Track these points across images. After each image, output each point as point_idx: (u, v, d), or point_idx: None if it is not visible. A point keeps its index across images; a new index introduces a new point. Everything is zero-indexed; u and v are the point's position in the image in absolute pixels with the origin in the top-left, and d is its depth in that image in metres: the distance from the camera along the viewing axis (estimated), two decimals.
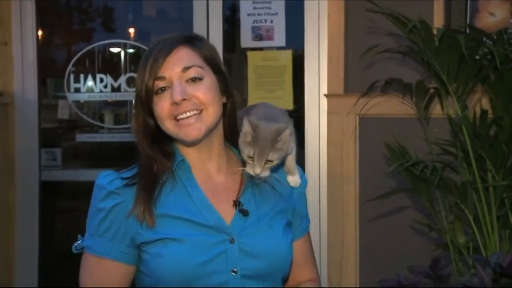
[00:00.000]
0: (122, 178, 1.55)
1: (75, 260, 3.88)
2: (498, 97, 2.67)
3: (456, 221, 2.75)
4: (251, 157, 1.53)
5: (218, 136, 1.61)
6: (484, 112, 2.61)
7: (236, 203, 1.57)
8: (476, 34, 2.71)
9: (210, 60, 1.56)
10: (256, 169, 1.53)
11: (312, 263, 1.77)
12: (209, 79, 1.54)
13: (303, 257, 1.73)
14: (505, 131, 2.58)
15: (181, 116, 1.51)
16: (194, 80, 1.51)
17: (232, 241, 1.52)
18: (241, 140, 1.56)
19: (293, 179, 1.69)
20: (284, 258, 1.60)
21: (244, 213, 1.56)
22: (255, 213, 1.58)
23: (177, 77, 1.50)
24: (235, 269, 1.52)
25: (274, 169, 1.62)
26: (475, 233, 2.67)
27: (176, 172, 1.58)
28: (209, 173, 1.61)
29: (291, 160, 1.67)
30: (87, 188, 3.68)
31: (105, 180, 1.55)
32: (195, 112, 1.51)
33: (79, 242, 1.59)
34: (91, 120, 3.67)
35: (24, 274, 3.54)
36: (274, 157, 1.53)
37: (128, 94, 3.60)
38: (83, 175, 3.64)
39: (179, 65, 1.51)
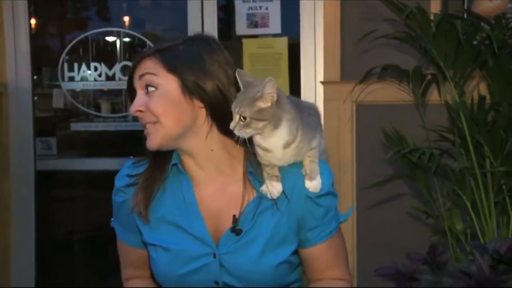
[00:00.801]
0: (129, 176, 1.62)
1: (71, 248, 3.88)
2: (496, 82, 2.68)
3: (453, 207, 2.76)
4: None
5: (203, 141, 1.55)
6: (482, 98, 2.61)
7: (234, 219, 1.54)
8: (474, 19, 2.71)
9: (177, 68, 1.50)
10: (232, 124, 1.46)
11: (336, 265, 1.68)
12: (165, 88, 1.50)
13: (324, 262, 1.65)
14: (503, 116, 2.59)
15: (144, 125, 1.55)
16: (149, 88, 1.50)
17: (214, 256, 1.54)
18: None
19: (311, 185, 1.55)
20: (266, 279, 1.56)
21: (237, 232, 1.54)
22: (249, 233, 1.55)
23: (138, 85, 1.52)
24: (217, 281, 1.55)
25: (291, 177, 1.56)
26: (473, 219, 2.67)
27: (176, 174, 1.59)
28: (207, 179, 1.59)
29: (309, 162, 1.56)
30: (83, 177, 3.76)
31: (119, 175, 1.65)
32: (151, 123, 1.51)
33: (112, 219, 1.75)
34: (86, 109, 3.67)
35: (21, 263, 3.55)
36: (247, 113, 1.43)
37: (123, 83, 3.56)
38: (78, 164, 3.66)
39: (138, 73, 1.52)
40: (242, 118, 1.45)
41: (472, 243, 2.54)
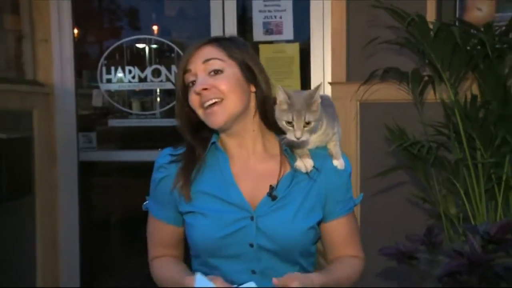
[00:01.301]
0: (171, 155, 1.66)
1: (110, 229, 3.95)
2: (486, 83, 2.70)
3: (448, 194, 2.79)
4: (289, 123, 1.51)
5: (251, 122, 1.62)
6: (474, 97, 2.64)
7: (271, 187, 1.59)
8: (466, 26, 2.71)
9: (234, 55, 1.58)
10: (297, 133, 1.50)
11: (352, 242, 1.74)
12: (230, 71, 1.56)
13: (341, 237, 1.71)
14: (493, 113, 2.60)
15: (206, 104, 1.54)
16: (216, 72, 1.54)
17: (252, 218, 1.57)
18: (278, 110, 1.55)
19: (339, 163, 1.65)
20: (296, 242, 1.59)
21: (273, 197, 1.58)
22: (284, 199, 1.60)
23: (200, 69, 1.55)
24: (252, 243, 1.57)
25: (318, 158, 1.64)
26: (465, 204, 2.70)
27: (214, 152, 1.64)
28: (243, 156, 1.64)
29: (333, 146, 1.66)
30: (118, 167, 3.78)
31: (161, 154, 1.68)
32: (216, 100, 1.54)
33: (146, 202, 1.74)
34: (121, 107, 3.70)
35: (67, 242, 3.61)
36: (311, 118, 1.50)
37: (154, 84, 3.62)
38: (115, 155, 3.71)
39: (201, 59, 1.56)
40: (306, 124, 1.51)
41: (465, 225, 2.63)
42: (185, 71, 1.57)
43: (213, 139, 1.63)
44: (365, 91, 3.05)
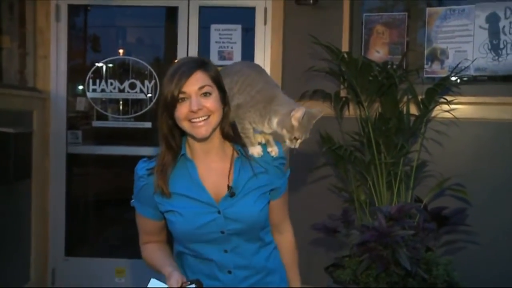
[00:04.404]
0: (147, 169, 1.58)
1: (90, 207, 3.86)
2: (387, 104, 2.79)
3: (360, 185, 2.87)
4: (296, 139, 1.53)
5: (218, 133, 1.59)
6: (380, 114, 2.76)
7: (229, 188, 1.56)
8: (371, 63, 2.77)
9: (216, 80, 1.54)
10: (297, 144, 1.53)
11: (287, 213, 1.75)
12: (215, 94, 1.52)
13: (280, 211, 1.71)
14: (393, 127, 2.71)
15: (194, 120, 1.50)
16: (206, 94, 1.50)
17: (219, 212, 1.55)
18: (290, 121, 1.51)
19: (273, 149, 1.62)
20: (256, 219, 1.58)
21: (232, 194, 1.55)
22: (239, 190, 1.57)
23: (194, 92, 1.49)
24: (223, 230, 1.55)
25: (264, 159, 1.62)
26: (372, 193, 2.79)
27: (183, 161, 1.59)
28: (209, 161, 1.59)
29: (268, 135, 1.64)
30: (99, 159, 3.73)
31: (138, 167, 1.61)
32: (205, 118, 1.50)
33: (133, 200, 1.67)
34: (103, 111, 3.65)
35: (55, 217, 3.55)
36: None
37: (130, 94, 3.58)
38: (97, 149, 3.65)
39: (196, 84, 1.49)
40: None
41: (373, 208, 2.69)
42: (180, 91, 1.49)
43: (182, 151, 1.59)
44: None
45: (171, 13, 3.56)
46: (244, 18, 3.50)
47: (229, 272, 1.58)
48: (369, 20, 3.22)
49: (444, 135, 2.90)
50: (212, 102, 1.51)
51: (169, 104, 1.50)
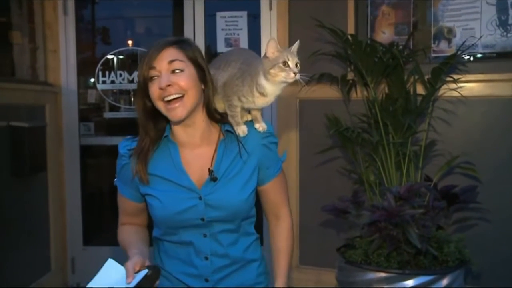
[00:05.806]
0: (128, 149, 1.52)
1: (104, 196, 3.92)
2: (394, 85, 2.76)
3: (369, 166, 2.86)
4: (285, 63, 1.42)
5: (200, 115, 1.50)
6: (387, 95, 2.75)
7: (210, 171, 1.49)
8: (376, 44, 2.75)
9: (191, 57, 1.45)
10: (295, 73, 1.41)
11: (284, 199, 1.65)
12: (189, 71, 1.44)
13: (275, 195, 1.62)
14: (400, 107, 2.69)
15: (167, 98, 1.41)
16: (177, 71, 1.42)
17: (200, 198, 1.47)
18: (270, 58, 1.43)
19: (261, 125, 1.54)
20: (239, 208, 1.51)
21: (214, 179, 1.48)
22: (222, 176, 1.49)
23: (165, 68, 1.41)
24: (203, 217, 1.48)
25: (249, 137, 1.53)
26: (381, 173, 2.77)
27: (166, 143, 1.52)
28: (192, 145, 1.52)
29: (256, 111, 1.56)
30: (111, 150, 3.75)
31: (121, 145, 1.55)
32: (177, 95, 1.41)
33: (116, 179, 1.63)
34: (113, 103, 3.68)
35: (72, 207, 3.60)
36: (298, 61, 1.44)
37: None
38: (108, 140, 3.67)
39: (166, 59, 1.42)
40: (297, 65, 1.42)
41: (383, 188, 2.69)
42: (150, 67, 1.42)
43: (166, 133, 1.51)
44: (305, 91, 3.03)
45: (178, 2, 3.57)
46: (249, 5, 3.50)
47: (206, 258, 1.52)
48: (375, 1, 3.20)
49: (452, 114, 2.89)
50: (184, 79, 1.42)
51: (141, 83, 1.44)
